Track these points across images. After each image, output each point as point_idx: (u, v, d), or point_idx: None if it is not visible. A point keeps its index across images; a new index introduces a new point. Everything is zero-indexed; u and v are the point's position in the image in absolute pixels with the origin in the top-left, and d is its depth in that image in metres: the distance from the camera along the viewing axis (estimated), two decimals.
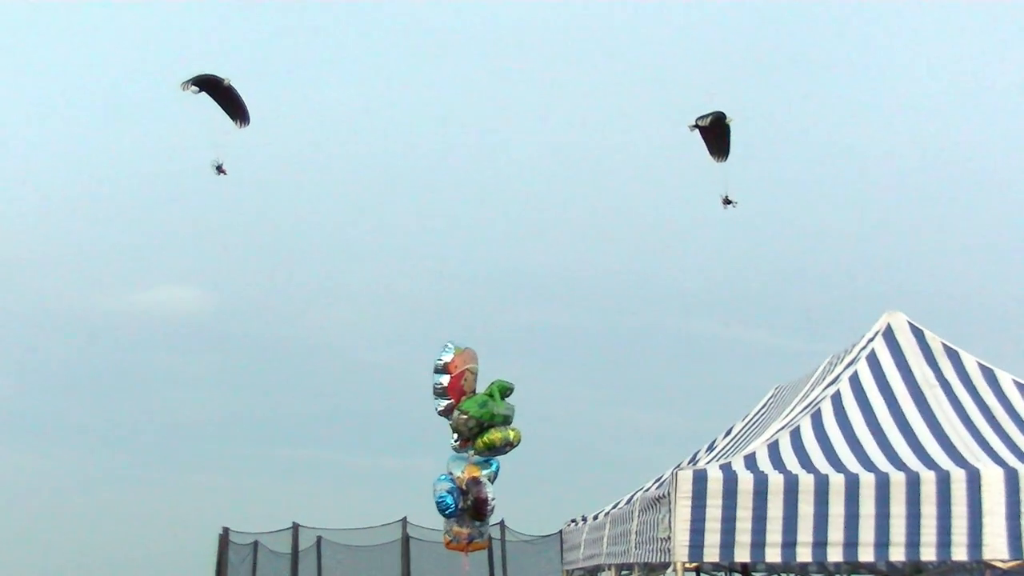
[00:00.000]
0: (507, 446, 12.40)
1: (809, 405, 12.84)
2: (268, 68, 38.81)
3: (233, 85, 16.46)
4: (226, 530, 25.92)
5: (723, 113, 16.53)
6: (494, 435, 12.18)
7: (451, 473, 12.37)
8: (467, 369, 12.33)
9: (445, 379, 12.28)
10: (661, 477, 14.01)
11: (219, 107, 16.62)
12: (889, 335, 13.21)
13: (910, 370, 12.78)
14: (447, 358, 12.33)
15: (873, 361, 12.91)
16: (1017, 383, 12.68)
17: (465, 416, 12.07)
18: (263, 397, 42.64)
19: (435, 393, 12.34)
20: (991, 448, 11.56)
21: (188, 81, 16.26)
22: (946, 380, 12.69)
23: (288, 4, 39.53)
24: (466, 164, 41.60)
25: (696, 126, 16.41)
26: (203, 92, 16.37)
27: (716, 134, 16.65)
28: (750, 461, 11.42)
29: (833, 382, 12.94)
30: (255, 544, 26.21)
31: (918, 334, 13.19)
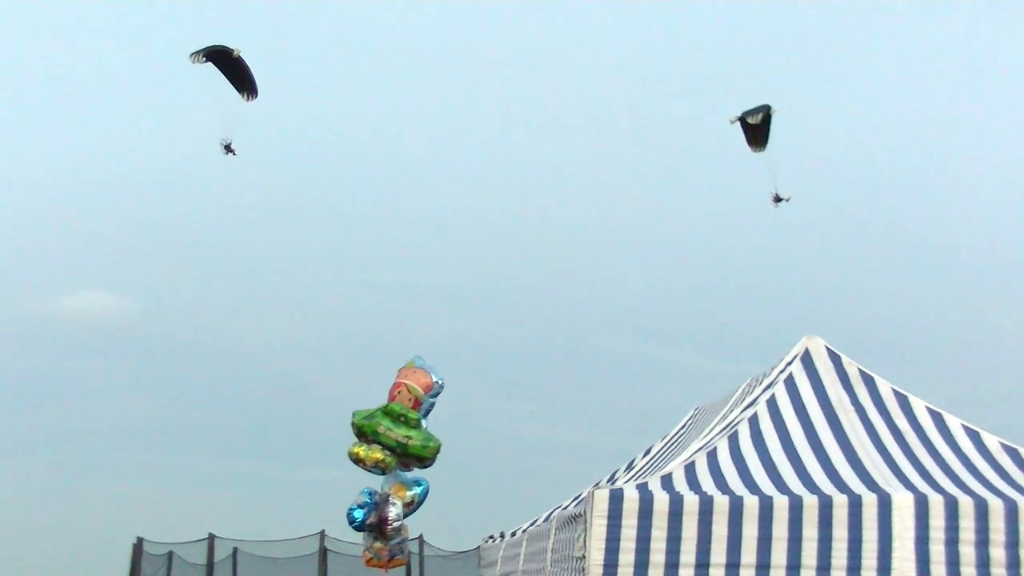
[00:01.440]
0: (418, 459, 11.89)
1: (727, 427, 12.95)
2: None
3: (243, 56, 16.01)
4: (140, 540, 25.62)
5: (769, 106, 16.05)
6: (358, 448, 11.72)
7: (379, 489, 12.17)
8: (406, 384, 11.87)
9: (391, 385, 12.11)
10: (579, 495, 14.07)
11: (227, 81, 16.17)
12: (807, 360, 13.37)
13: (826, 395, 12.95)
14: (402, 367, 12.08)
15: (791, 385, 13.06)
16: (930, 410, 12.89)
17: (352, 420, 11.78)
18: (182, 405, 42.25)
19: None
20: (903, 474, 11.74)
21: (199, 52, 15.71)
22: (861, 405, 12.86)
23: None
24: (393, 177, 41.58)
25: (744, 121, 15.85)
26: (210, 64, 15.94)
27: (757, 125, 16.19)
28: (666, 482, 11.50)
29: (751, 405, 13.07)
30: (170, 555, 25.94)
31: (835, 359, 13.37)
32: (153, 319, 43.52)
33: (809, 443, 12.31)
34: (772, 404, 12.82)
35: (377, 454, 11.59)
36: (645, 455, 15.77)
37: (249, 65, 16.08)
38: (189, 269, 42.31)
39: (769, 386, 13.25)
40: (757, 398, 13.13)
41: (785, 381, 13.12)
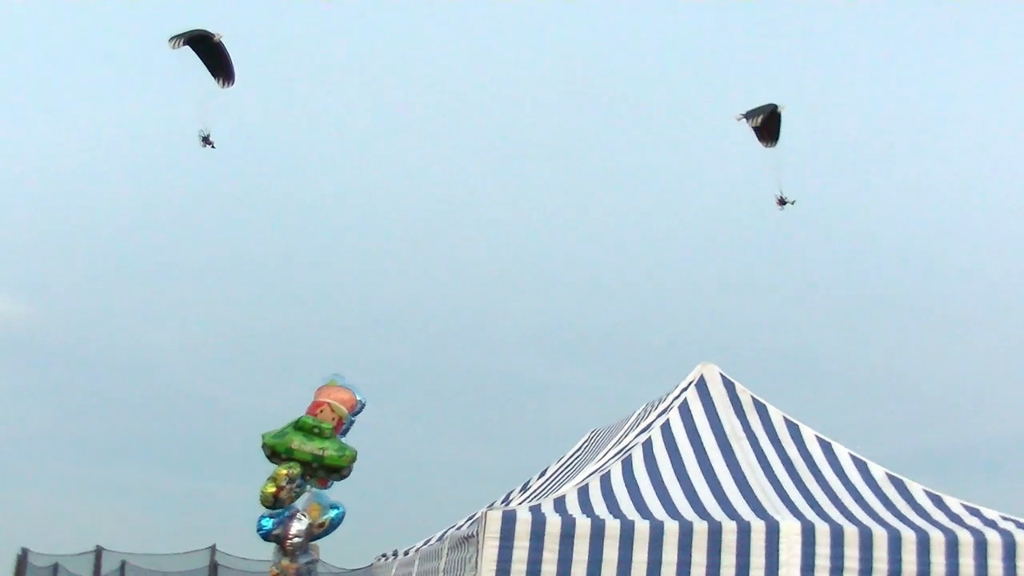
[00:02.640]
0: (334, 471, 11.78)
1: (621, 451, 13.07)
2: (128, 71, 37.92)
3: (223, 42, 15.44)
4: (25, 551, 25.11)
5: (775, 105, 16.00)
6: (281, 470, 11.60)
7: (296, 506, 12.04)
8: (328, 403, 11.80)
9: (308, 404, 12.02)
10: (473, 515, 14.08)
11: (204, 67, 15.59)
12: (702, 386, 13.54)
13: (719, 421, 13.12)
14: (321, 385, 12.00)
15: (685, 411, 13.21)
16: (820, 439, 13.12)
17: (262, 440, 11.68)
18: (70, 413, 41.45)
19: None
20: (791, 501, 11.94)
21: (178, 37, 15.15)
22: (753, 432, 13.06)
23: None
24: (307, 197, 41.29)
25: (746, 120, 15.80)
26: (188, 48, 15.38)
27: (771, 121, 16.15)
28: (559, 504, 11.56)
29: (645, 429, 13.20)
30: (55, 566, 25.44)
31: (729, 386, 13.55)
32: (42, 325, 42.72)
33: (701, 469, 12.46)
34: (666, 429, 12.96)
35: (282, 469, 11.42)
36: (541, 476, 15.84)
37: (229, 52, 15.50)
38: (84, 274, 41.61)
39: (664, 411, 13.39)
40: (652, 423, 13.26)
41: (680, 407, 13.27)
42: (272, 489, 11.34)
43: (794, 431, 13.18)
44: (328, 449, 11.45)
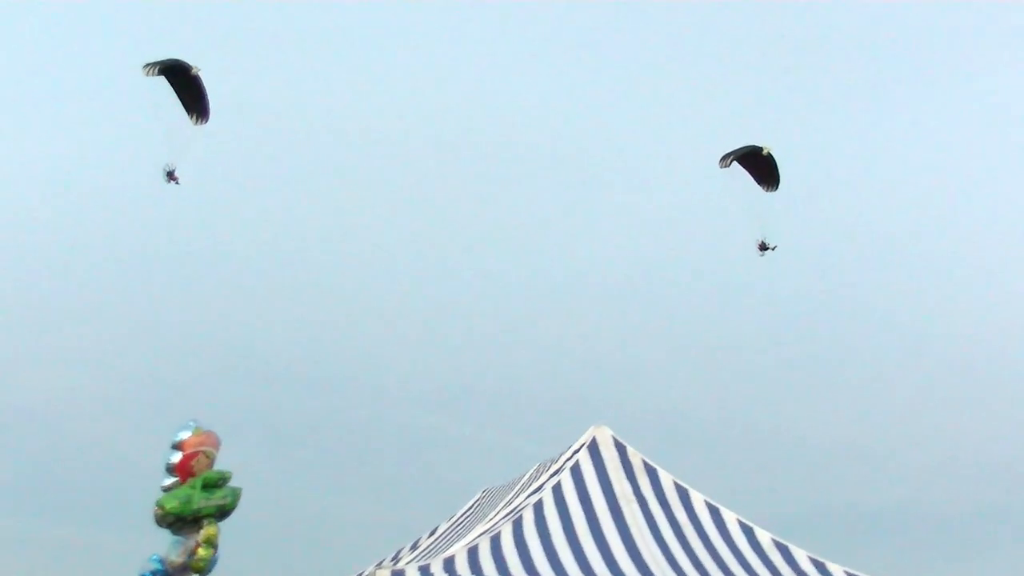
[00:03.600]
0: (228, 514, 12.16)
1: (512, 512, 13.09)
2: None
3: (201, 75, 14.54)
4: None
5: (756, 147, 15.36)
6: (210, 530, 11.92)
7: (165, 555, 12.11)
8: (202, 451, 12.04)
9: (176, 457, 12.05)
10: (362, 573, 13.99)
11: (179, 100, 14.72)
12: (594, 448, 13.64)
13: (610, 484, 13.22)
14: (183, 436, 12.13)
15: (576, 473, 13.29)
16: (709, 504, 13.27)
17: (160, 511, 11.85)
18: None
19: (166, 469, 12.14)
20: (679, 566, 12.07)
21: (153, 64, 14.31)
22: (643, 496, 13.17)
23: None
24: (187, 235, 40.70)
25: (726, 165, 15.04)
26: (164, 78, 14.46)
27: (759, 163, 15.45)
28: (449, 564, 11.56)
29: (537, 491, 13.25)
30: None
31: (621, 449, 13.67)
32: None
33: (591, 531, 12.53)
34: (557, 491, 13.02)
35: (211, 529, 11.87)
36: (431, 535, 15.77)
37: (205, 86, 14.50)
38: None
39: (555, 472, 13.46)
40: (543, 484, 13.32)
41: (571, 468, 13.34)
42: (211, 552, 11.69)
43: (683, 495, 13.32)
44: (227, 497, 11.97)
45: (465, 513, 15.80)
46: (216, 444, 12.18)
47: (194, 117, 14.82)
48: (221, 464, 12.25)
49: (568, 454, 13.78)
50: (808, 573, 12.35)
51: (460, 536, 13.95)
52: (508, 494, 14.43)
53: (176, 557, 11.89)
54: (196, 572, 11.76)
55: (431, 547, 14.77)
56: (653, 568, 11.84)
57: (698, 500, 13.30)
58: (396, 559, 14.96)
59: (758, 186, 15.56)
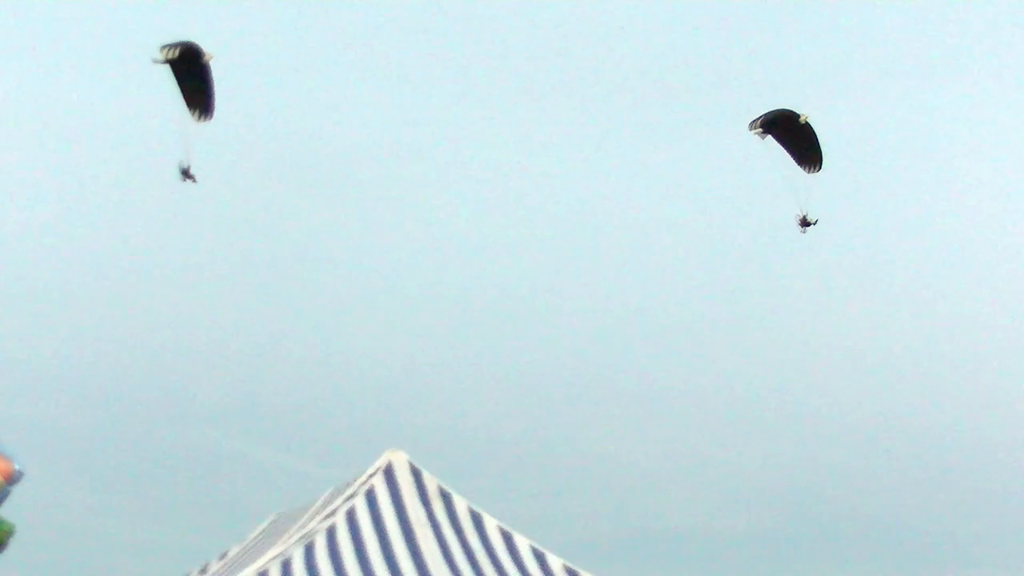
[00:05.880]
0: None
1: (305, 535, 12.97)
2: None
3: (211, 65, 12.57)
4: None
5: (791, 112, 13.55)
6: None
7: None
8: None
9: None
10: None
11: (180, 91, 12.87)
12: (389, 473, 13.62)
13: (404, 509, 13.22)
14: None
15: (371, 498, 13.26)
16: (502, 530, 13.38)
17: None
18: None
19: None
20: None
21: (172, 46, 12.36)
22: (437, 522, 13.20)
23: None
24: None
25: (759, 133, 13.22)
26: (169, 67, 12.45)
27: (797, 138, 13.74)
28: None
29: (330, 515, 13.15)
30: None
31: (416, 474, 13.69)
32: None
33: (384, 557, 12.51)
34: (351, 516, 12.96)
35: None
36: (221, 559, 15.49)
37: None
38: None
39: (350, 497, 13.40)
40: (337, 508, 13.24)
41: (366, 493, 13.30)
42: None
43: (477, 521, 13.40)
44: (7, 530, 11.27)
45: (257, 537, 15.57)
46: (4, 473, 11.40)
47: (196, 112, 13.10)
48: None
49: (363, 478, 13.72)
50: None
51: (251, 560, 13.73)
52: (301, 517, 14.28)
53: None
54: None
55: (221, 571, 14.51)
56: None
57: (491, 526, 13.40)
58: None
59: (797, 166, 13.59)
